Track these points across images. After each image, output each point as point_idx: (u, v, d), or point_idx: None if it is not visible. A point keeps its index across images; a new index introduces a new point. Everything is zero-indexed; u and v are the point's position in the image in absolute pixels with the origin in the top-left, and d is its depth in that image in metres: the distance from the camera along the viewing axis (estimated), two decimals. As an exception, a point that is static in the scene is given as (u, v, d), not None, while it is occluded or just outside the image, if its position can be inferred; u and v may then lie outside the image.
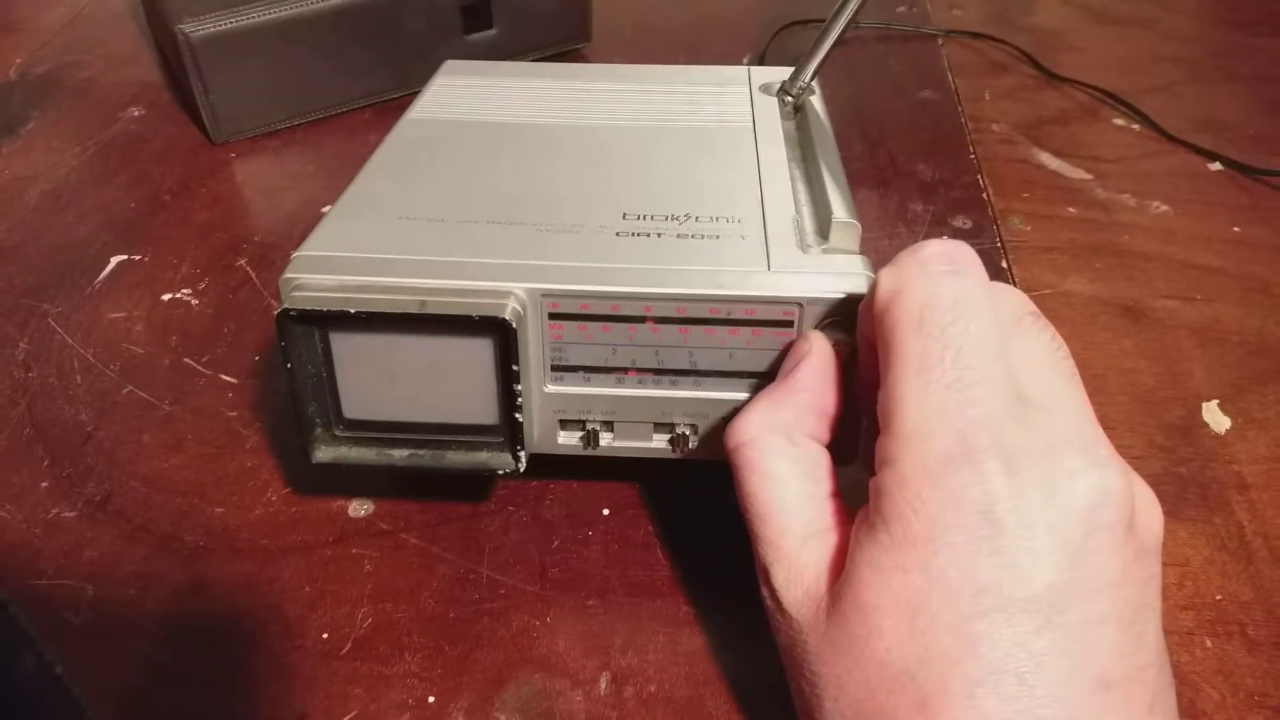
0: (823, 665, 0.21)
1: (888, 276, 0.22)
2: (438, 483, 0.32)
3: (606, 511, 0.31)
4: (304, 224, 0.45)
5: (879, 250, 0.42)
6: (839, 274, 0.26)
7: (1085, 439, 0.20)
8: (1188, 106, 0.53)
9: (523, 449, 0.27)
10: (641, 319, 0.26)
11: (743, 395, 0.27)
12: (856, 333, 0.25)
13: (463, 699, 0.26)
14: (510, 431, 0.27)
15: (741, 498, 0.24)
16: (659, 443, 0.29)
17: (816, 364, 0.25)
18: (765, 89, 0.38)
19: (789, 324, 0.26)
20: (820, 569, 0.22)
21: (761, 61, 0.59)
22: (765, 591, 0.23)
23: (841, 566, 0.22)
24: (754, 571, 0.24)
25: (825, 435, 0.24)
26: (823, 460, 0.24)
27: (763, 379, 0.27)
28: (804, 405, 0.24)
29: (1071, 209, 0.46)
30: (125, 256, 0.43)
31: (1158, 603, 0.21)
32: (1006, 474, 0.19)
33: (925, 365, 0.20)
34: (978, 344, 0.20)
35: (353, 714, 0.26)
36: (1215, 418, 0.35)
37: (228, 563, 0.30)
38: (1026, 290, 0.40)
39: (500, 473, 0.28)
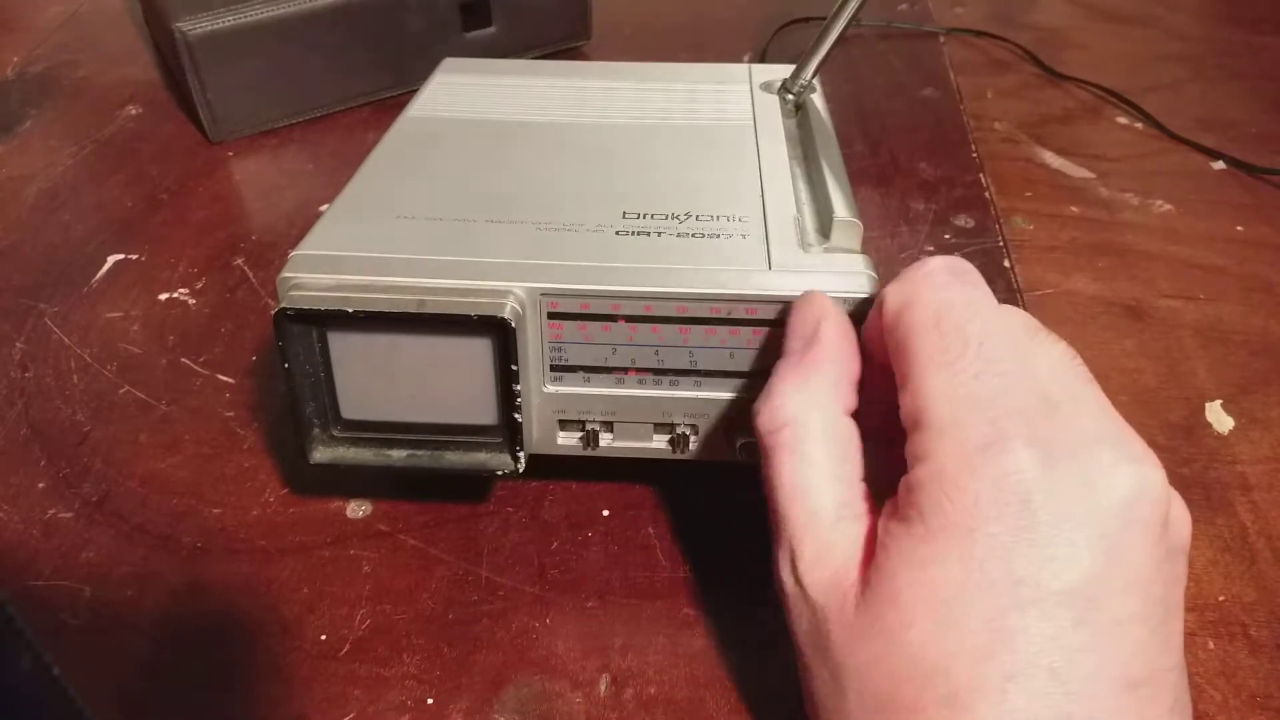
0: (848, 656, 0.20)
1: (894, 291, 0.22)
2: (436, 483, 0.32)
3: (606, 512, 0.31)
4: (302, 223, 0.45)
5: (880, 249, 0.42)
6: (841, 273, 0.26)
7: (1118, 435, 0.20)
8: (1190, 105, 0.53)
9: (522, 449, 0.27)
10: (641, 319, 0.26)
11: (743, 395, 0.27)
12: (860, 348, 0.25)
13: (462, 700, 0.26)
14: (509, 432, 0.27)
15: (772, 477, 0.23)
16: (659, 443, 0.29)
17: (836, 328, 0.24)
18: (766, 87, 0.38)
19: (790, 323, 0.26)
20: (848, 554, 0.21)
21: (762, 59, 0.59)
22: (787, 577, 0.22)
23: (869, 554, 0.21)
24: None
25: (854, 402, 0.24)
26: (855, 439, 0.23)
27: (763, 378, 0.27)
28: (833, 377, 0.23)
29: (1074, 208, 0.46)
30: (122, 256, 0.43)
31: (1182, 604, 0.20)
32: (1043, 463, 0.19)
33: (948, 360, 0.20)
34: (999, 337, 0.20)
35: (351, 715, 0.26)
36: (1218, 418, 0.34)
37: (225, 563, 0.30)
38: (1029, 289, 0.40)
39: (499, 473, 0.28)
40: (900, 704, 0.19)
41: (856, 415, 0.24)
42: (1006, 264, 0.41)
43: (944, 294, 0.21)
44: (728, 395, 0.27)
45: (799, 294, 0.25)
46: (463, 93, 0.38)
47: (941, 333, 0.21)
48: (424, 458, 0.28)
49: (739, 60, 0.57)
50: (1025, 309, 0.26)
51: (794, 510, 0.22)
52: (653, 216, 0.29)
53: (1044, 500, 0.19)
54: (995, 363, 0.20)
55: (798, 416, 0.23)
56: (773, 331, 0.26)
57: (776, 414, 0.23)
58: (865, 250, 0.27)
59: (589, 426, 0.28)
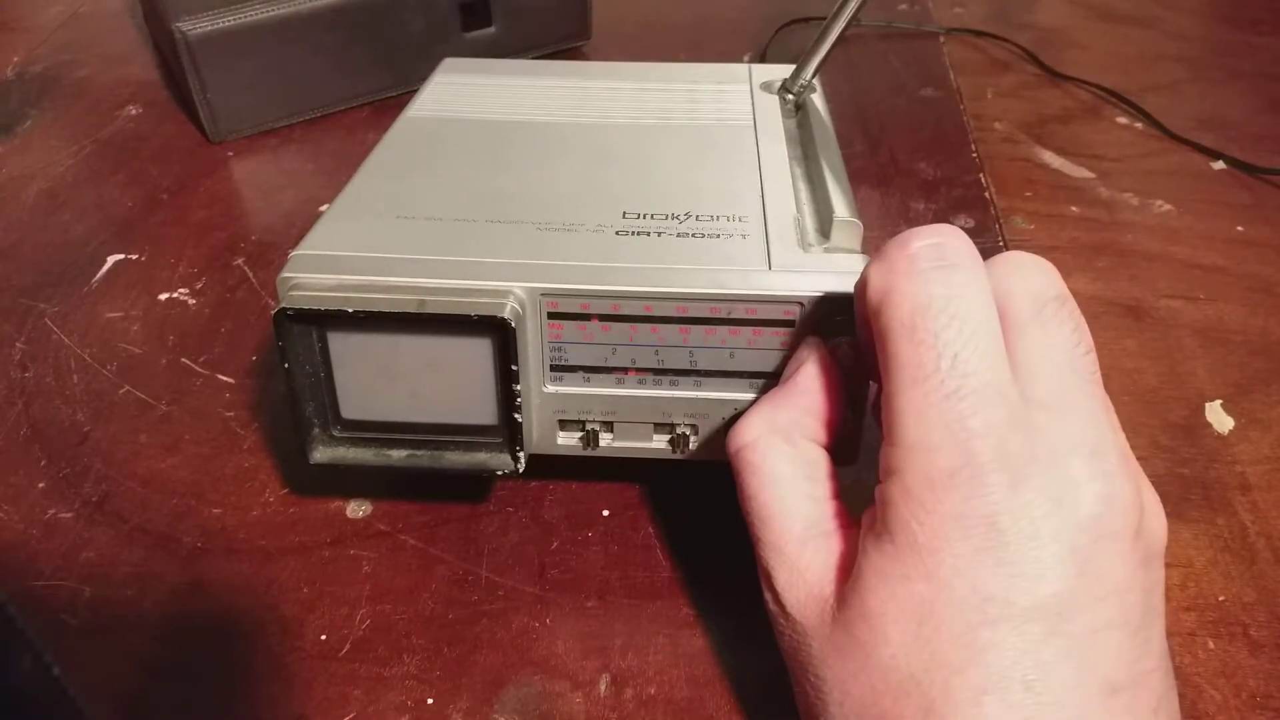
0: (827, 669, 0.21)
1: (876, 274, 0.21)
2: (436, 483, 0.32)
3: (606, 512, 0.31)
4: (302, 223, 0.45)
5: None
6: (841, 273, 0.26)
7: (1094, 445, 0.20)
8: (1190, 105, 0.53)
9: (522, 449, 0.27)
10: (641, 319, 0.26)
11: (743, 395, 0.27)
12: (856, 323, 0.25)
13: (462, 701, 0.26)
14: (509, 432, 0.27)
15: (743, 500, 0.24)
16: (659, 443, 0.29)
17: (814, 368, 0.25)
18: (766, 87, 0.38)
19: (790, 323, 0.26)
20: (822, 571, 0.22)
21: (763, 59, 0.59)
22: (768, 595, 0.23)
23: (844, 569, 0.21)
24: (755, 572, 0.24)
25: (824, 438, 0.24)
26: (822, 462, 0.24)
27: (763, 379, 0.27)
28: (803, 408, 0.24)
29: (1074, 208, 0.46)
30: (122, 256, 0.43)
31: (1162, 606, 0.21)
32: (1011, 485, 0.19)
33: (921, 375, 0.20)
34: (974, 347, 0.20)
35: (351, 716, 0.26)
36: (1218, 418, 0.34)
37: (225, 563, 0.30)
38: (1028, 289, 0.40)
39: (499, 473, 0.28)
40: (879, 716, 0.20)
41: (833, 448, 0.24)
42: (1006, 264, 0.41)
43: (923, 287, 0.20)
44: (728, 395, 0.27)
45: (799, 295, 0.26)
46: (463, 93, 0.38)
47: (915, 343, 0.20)
48: (424, 458, 0.28)
49: (739, 60, 0.57)
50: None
51: (764, 532, 0.23)
52: (653, 216, 0.29)
53: (1011, 521, 0.19)
54: (969, 377, 0.20)
55: (760, 437, 0.24)
56: (773, 331, 0.26)
57: (740, 435, 0.24)
58: (866, 250, 0.27)
59: (589, 426, 0.28)
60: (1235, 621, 0.28)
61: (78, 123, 0.53)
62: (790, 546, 0.22)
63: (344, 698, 0.26)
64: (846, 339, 0.25)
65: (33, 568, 0.30)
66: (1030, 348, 0.21)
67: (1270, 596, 0.28)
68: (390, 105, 0.53)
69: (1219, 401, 0.35)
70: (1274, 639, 0.27)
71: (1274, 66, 0.57)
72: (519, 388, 0.26)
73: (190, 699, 0.26)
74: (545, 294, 0.26)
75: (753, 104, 0.36)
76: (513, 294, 0.26)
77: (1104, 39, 0.61)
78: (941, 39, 0.61)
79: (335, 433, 0.28)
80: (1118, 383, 0.36)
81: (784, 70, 0.38)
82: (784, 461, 0.23)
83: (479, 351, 0.26)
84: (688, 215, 0.29)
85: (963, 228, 0.22)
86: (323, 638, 0.28)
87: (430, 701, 0.26)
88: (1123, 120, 0.53)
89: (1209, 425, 0.34)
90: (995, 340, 0.20)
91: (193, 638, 0.28)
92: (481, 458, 0.28)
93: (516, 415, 0.27)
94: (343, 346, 0.27)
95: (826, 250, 0.27)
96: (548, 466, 0.30)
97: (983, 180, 0.47)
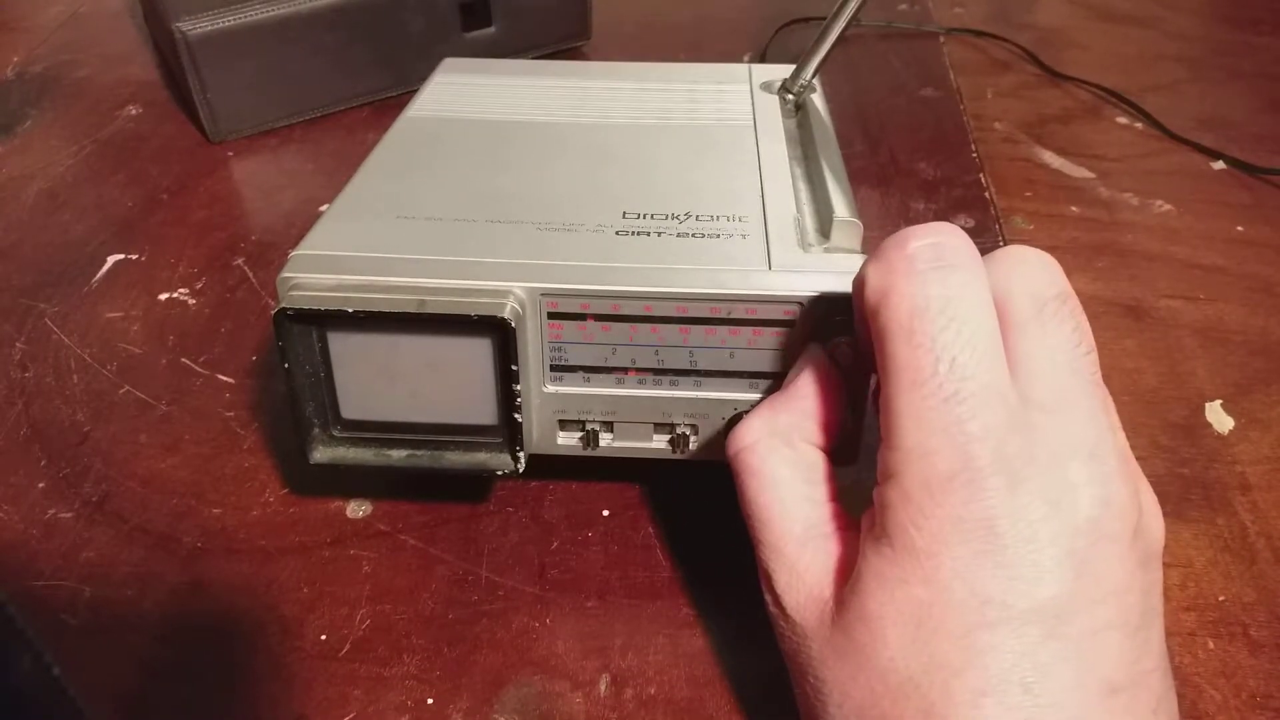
0: (827, 671, 0.21)
1: (874, 274, 0.21)
2: (436, 483, 0.32)
3: (606, 512, 0.31)
4: (302, 223, 0.45)
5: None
6: (840, 273, 0.26)
7: (1093, 447, 0.20)
8: (1190, 105, 0.53)
9: (522, 449, 0.27)
10: (641, 319, 0.26)
11: (743, 395, 0.27)
12: (855, 320, 0.25)
13: (462, 701, 0.26)
14: (509, 432, 0.27)
15: (743, 503, 0.24)
16: (659, 443, 0.29)
17: (813, 373, 0.25)
18: (766, 87, 0.38)
19: (790, 323, 0.26)
20: (821, 573, 0.22)
21: (763, 59, 0.59)
22: (768, 597, 0.23)
23: (844, 571, 0.21)
24: (755, 572, 0.24)
25: (823, 441, 0.24)
26: (821, 465, 0.24)
27: (763, 379, 0.27)
28: (802, 411, 0.24)
29: (1074, 208, 0.46)
30: (122, 256, 0.43)
31: (1160, 607, 0.21)
32: (1009, 488, 0.19)
33: (919, 379, 0.20)
34: (972, 349, 0.20)
35: (351, 716, 0.26)
36: (1218, 418, 0.34)
37: (225, 563, 0.30)
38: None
39: (499, 473, 0.28)
40: (879, 717, 0.20)
41: (832, 450, 0.24)
42: (1006, 264, 0.41)
43: (920, 289, 0.20)
44: (728, 395, 0.27)
45: (799, 295, 0.26)
46: (463, 93, 0.38)
47: (913, 346, 0.20)
48: (424, 458, 0.28)
49: (739, 60, 0.57)
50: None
51: (766, 534, 0.23)
52: (653, 216, 0.29)
53: (1009, 524, 0.19)
54: (967, 380, 0.19)
55: (760, 440, 0.24)
56: (773, 331, 0.26)
57: (739, 438, 0.24)
58: (866, 250, 0.27)
59: (589, 426, 0.28)
60: (1235, 621, 0.28)
61: (78, 123, 0.53)
62: (790, 548, 0.22)
63: (344, 698, 0.26)
64: (846, 338, 0.25)
65: (33, 568, 0.30)
66: (1030, 347, 0.21)
67: (1270, 596, 0.28)
68: (390, 105, 0.53)
69: (1219, 401, 0.35)
70: (1274, 639, 0.27)
71: (1274, 66, 0.57)
72: (519, 388, 0.26)
73: (190, 699, 0.26)
74: (545, 294, 0.26)
75: (753, 104, 0.36)
76: (513, 294, 0.26)
77: (1104, 39, 0.61)
78: (941, 39, 0.61)
79: (335, 433, 0.28)
80: (1118, 383, 0.36)
81: (784, 70, 0.38)
82: (783, 464, 0.23)
83: (479, 351, 0.26)
84: (688, 215, 0.29)
85: (963, 228, 0.22)
86: (323, 638, 0.28)
87: (430, 701, 0.26)
88: (1123, 120, 0.53)
89: (1209, 425, 0.34)
90: (994, 342, 0.20)
91: (193, 638, 0.28)
92: (481, 458, 0.28)
93: (516, 415, 0.27)
94: (343, 346, 0.27)
95: (826, 250, 0.27)
96: (548, 466, 0.30)
97: (983, 180, 0.47)
